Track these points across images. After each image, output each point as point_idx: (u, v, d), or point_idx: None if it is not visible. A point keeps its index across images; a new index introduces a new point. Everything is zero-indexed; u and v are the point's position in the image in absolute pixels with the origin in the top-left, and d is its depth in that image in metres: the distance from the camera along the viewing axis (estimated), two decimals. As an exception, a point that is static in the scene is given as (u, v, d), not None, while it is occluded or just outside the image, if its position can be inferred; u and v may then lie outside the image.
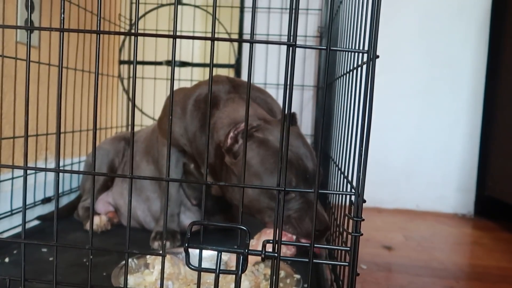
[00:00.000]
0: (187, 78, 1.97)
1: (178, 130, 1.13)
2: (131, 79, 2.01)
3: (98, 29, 0.63)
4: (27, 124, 0.62)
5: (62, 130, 1.48)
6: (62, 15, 0.61)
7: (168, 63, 1.96)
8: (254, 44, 0.61)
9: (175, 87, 1.21)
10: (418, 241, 1.60)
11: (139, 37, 0.63)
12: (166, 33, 1.94)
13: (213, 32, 0.61)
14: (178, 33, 0.61)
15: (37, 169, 0.61)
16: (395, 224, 1.85)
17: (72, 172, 0.59)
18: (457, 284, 1.19)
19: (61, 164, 1.51)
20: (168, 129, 0.64)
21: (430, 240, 1.63)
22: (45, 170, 0.62)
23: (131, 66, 2.00)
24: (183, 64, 1.97)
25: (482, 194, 2.07)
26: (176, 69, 1.99)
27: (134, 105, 0.64)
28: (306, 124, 2.05)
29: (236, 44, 1.99)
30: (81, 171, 0.63)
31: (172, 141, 1.15)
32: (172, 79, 0.64)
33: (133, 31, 1.83)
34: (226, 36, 1.94)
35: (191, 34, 1.95)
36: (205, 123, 1.12)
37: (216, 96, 1.11)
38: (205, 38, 0.62)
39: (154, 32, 1.92)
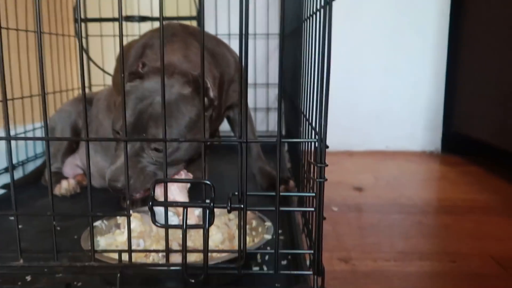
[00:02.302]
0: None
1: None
2: (89, 38, 1.93)
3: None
4: (4, 86, 0.58)
5: (19, 95, 1.42)
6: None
7: (126, 18, 1.88)
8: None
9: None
10: (388, 180, 1.64)
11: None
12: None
13: (159, -19, 0.58)
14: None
15: (24, 139, 0.58)
16: (365, 166, 1.89)
17: (24, 139, 0.57)
18: (425, 219, 1.23)
19: (22, 130, 1.47)
20: (121, 86, 0.62)
21: (399, 178, 1.68)
22: (33, 139, 0.59)
23: (88, 24, 1.92)
24: (143, 19, 1.89)
25: (449, 131, 2.12)
26: (136, 24, 1.92)
27: (82, 64, 0.61)
28: (273, 73, 2.03)
29: (196, -6, 1.92)
30: (33, 137, 0.61)
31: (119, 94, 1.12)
32: (121, 35, 0.61)
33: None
34: (184, -14, 1.86)
35: (148, -14, 1.87)
36: None
37: (153, 43, 1.09)
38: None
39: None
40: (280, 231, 0.91)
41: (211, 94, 0.95)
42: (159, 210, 0.66)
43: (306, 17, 1.02)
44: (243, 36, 0.59)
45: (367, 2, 2.04)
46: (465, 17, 1.99)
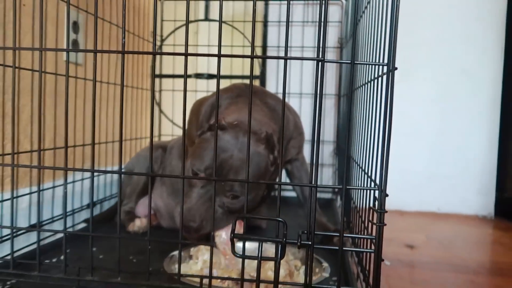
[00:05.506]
0: (214, 89, 2.08)
1: (195, 134, 1.22)
2: (162, 92, 2.13)
3: (123, 49, 0.74)
4: (93, 131, 0.72)
5: (104, 140, 1.60)
6: (96, 38, 0.73)
7: (197, 76, 2.08)
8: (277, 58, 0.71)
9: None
10: (440, 240, 1.67)
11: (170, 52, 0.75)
12: (193, 47, 2.07)
13: (219, 48, 0.71)
14: (205, 48, 0.71)
15: (104, 172, 0.71)
16: (417, 225, 1.92)
17: (104, 172, 0.69)
18: (477, 278, 1.26)
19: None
20: (182, 132, 0.74)
21: (452, 239, 1.70)
22: (110, 172, 0.72)
23: (162, 79, 2.13)
24: (211, 76, 2.08)
25: (502, 195, 2.12)
26: (205, 81, 2.11)
27: (153, 114, 0.74)
28: (328, 131, 2.14)
29: (260, 56, 2.10)
30: (110, 171, 0.73)
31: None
32: (185, 91, 0.74)
33: (164, 46, 1.95)
34: (250, 49, 2.04)
35: (216, 48, 2.06)
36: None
37: (221, 103, 1.21)
38: (213, 55, 0.72)
39: (182, 47, 2.04)
40: (334, 278, 0.98)
41: (276, 152, 1.07)
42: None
43: (363, 82, 1.14)
44: (318, 99, 0.70)
45: (421, 65, 2.16)
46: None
